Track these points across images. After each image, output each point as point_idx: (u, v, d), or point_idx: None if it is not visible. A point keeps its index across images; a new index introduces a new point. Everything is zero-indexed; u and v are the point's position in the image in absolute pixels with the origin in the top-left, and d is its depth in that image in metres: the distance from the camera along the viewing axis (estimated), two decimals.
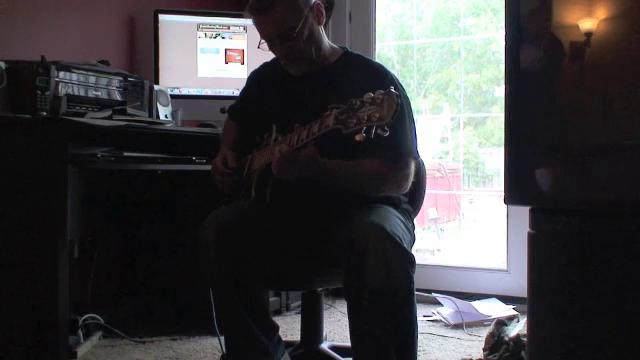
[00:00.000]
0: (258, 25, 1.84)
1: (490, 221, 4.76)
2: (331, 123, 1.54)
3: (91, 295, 2.61)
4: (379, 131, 1.47)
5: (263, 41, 1.86)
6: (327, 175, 1.73)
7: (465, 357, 2.37)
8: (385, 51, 3.98)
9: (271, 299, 2.81)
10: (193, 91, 2.94)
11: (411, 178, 1.83)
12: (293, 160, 1.67)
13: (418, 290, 1.71)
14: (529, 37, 1.60)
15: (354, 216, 1.69)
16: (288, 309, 3.00)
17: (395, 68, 4.06)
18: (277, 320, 1.96)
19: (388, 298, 1.61)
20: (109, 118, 2.26)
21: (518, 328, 2.28)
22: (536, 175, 1.61)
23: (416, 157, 1.87)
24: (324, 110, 1.59)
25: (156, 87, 2.70)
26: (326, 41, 1.92)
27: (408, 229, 1.80)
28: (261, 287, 1.88)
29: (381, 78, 1.84)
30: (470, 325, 2.79)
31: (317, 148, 1.66)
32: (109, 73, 2.44)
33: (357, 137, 1.48)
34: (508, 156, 1.62)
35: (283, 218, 1.86)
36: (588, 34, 1.49)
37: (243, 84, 2.16)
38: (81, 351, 2.32)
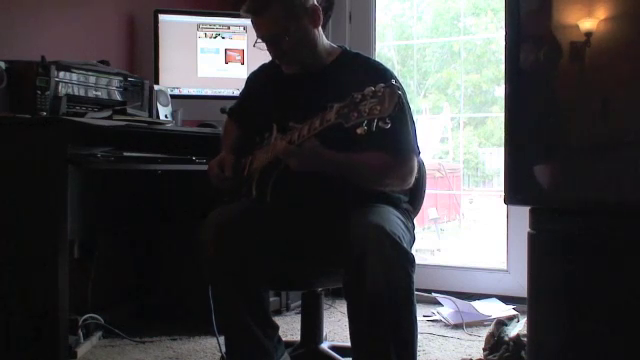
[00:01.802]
0: (253, 24, 1.87)
1: (490, 221, 4.76)
2: (332, 117, 1.55)
3: (91, 295, 2.61)
4: (380, 124, 1.47)
5: (259, 40, 1.87)
6: (334, 166, 1.72)
7: (465, 357, 2.37)
8: (385, 51, 3.97)
9: (271, 299, 2.79)
10: (193, 91, 2.94)
11: (415, 173, 1.83)
12: (297, 154, 1.67)
13: (418, 290, 1.71)
14: (529, 37, 1.60)
15: (354, 216, 1.69)
16: (288, 309, 3.00)
17: (395, 68, 4.05)
18: (277, 320, 1.96)
19: (388, 298, 1.61)
20: (109, 118, 2.26)
21: (518, 328, 2.28)
22: (536, 175, 1.61)
23: (418, 153, 1.87)
24: (323, 109, 1.60)
25: (156, 87, 2.70)
26: (323, 42, 1.93)
27: (408, 229, 1.79)
28: (261, 287, 1.88)
29: (380, 74, 1.85)
30: (470, 325, 2.78)
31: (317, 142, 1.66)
32: (109, 73, 2.44)
33: (358, 130, 1.49)
34: (508, 156, 1.62)
35: (283, 218, 1.86)
36: (588, 34, 1.49)
37: (243, 84, 2.16)
38: (81, 351, 2.32)
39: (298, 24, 1.83)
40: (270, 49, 1.88)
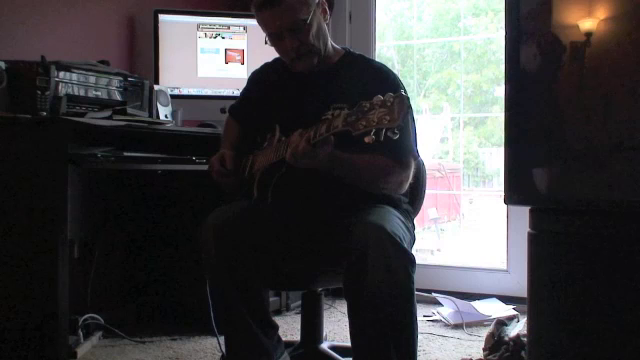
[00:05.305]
0: (267, 19, 1.83)
1: (490, 221, 4.76)
2: (340, 124, 1.53)
3: (91, 295, 2.61)
4: (389, 134, 1.46)
5: (272, 34, 1.85)
6: (337, 165, 1.70)
7: (465, 357, 2.37)
8: (385, 51, 3.97)
9: (271, 299, 2.81)
10: (193, 91, 2.94)
11: (410, 179, 1.83)
12: (312, 156, 1.63)
13: (418, 290, 1.71)
14: (529, 37, 1.60)
15: (354, 216, 1.69)
16: (288, 309, 3.00)
17: (395, 68, 4.05)
18: (277, 320, 1.96)
19: (388, 298, 1.61)
20: (109, 118, 2.26)
21: (518, 328, 2.28)
22: (536, 175, 1.61)
23: (416, 157, 1.87)
24: (326, 110, 1.59)
25: (156, 87, 2.70)
26: (330, 39, 1.93)
27: (408, 229, 1.79)
28: (261, 287, 1.88)
29: (384, 79, 1.85)
30: (470, 325, 2.79)
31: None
32: (109, 73, 2.44)
33: (366, 139, 1.47)
34: (508, 156, 1.62)
35: (284, 218, 1.86)
36: (588, 34, 1.50)
37: (243, 84, 2.16)
38: (81, 351, 2.32)
39: (314, 13, 1.83)
40: (288, 43, 1.83)
